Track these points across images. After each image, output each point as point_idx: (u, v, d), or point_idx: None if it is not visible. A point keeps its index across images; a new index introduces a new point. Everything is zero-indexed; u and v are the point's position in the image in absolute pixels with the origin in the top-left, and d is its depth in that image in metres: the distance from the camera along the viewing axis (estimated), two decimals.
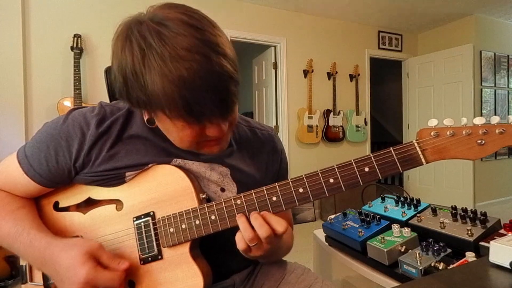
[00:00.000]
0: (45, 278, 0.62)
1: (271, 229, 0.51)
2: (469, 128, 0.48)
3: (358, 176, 0.51)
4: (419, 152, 0.49)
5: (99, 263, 0.51)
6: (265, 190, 0.54)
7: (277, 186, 0.53)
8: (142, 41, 0.44)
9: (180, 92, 0.44)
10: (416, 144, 0.49)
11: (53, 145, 0.57)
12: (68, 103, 2.49)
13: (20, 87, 2.42)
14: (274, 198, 0.53)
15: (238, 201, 0.54)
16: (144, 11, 0.49)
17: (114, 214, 0.60)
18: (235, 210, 0.54)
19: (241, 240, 0.52)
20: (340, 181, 0.51)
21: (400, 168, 0.49)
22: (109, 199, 0.61)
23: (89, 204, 0.62)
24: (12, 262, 1.96)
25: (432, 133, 0.49)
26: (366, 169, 0.51)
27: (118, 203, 0.61)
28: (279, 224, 0.51)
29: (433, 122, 0.50)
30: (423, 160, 0.49)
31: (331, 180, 0.52)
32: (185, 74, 0.43)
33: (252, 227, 0.52)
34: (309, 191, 0.52)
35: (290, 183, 0.53)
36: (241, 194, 0.55)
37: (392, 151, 0.50)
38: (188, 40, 0.44)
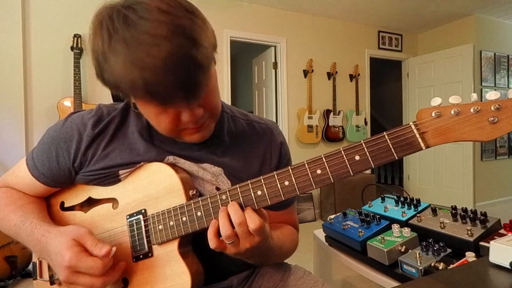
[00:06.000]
0: (50, 274, 0.65)
1: (246, 221, 0.49)
2: (478, 105, 0.41)
3: (348, 165, 0.46)
4: (417, 136, 0.43)
5: (85, 249, 0.51)
6: (250, 184, 0.51)
7: (262, 180, 0.51)
8: (110, 25, 0.45)
9: (141, 75, 0.44)
10: (413, 127, 0.44)
11: (54, 147, 0.61)
12: (68, 103, 2.49)
13: (20, 87, 2.42)
14: (259, 192, 0.51)
15: (223, 196, 0.53)
16: None
17: (110, 212, 0.62)
18: (220, 205, 0.52)
19: (213, 238, 0.50)
20: (328, 172, 0.47)
21: (395, 155, 0.44)
22: (107, 198, 0.63)
23: (91, 203, 0.65)
24: (12, 262, 1.96)
25: (433, 113, 0.43)
26: (357, 158, 0.46)
27: (114, 201, 0.63)
28: (251, 219, 0.49)
29: (436, 101, 0.44)
30: (421, 145, 0.43)
31: (318, 171, 0.48)
32: (145, 57, 0.43)
33: (232, 225, 0.49)
34: (295, 184, 0.49)
35: (276, 175, 0.50)
36: (226, 188, 0.53)
37: (386, 135, 0.45)
38: (150, 24, 0.44)
